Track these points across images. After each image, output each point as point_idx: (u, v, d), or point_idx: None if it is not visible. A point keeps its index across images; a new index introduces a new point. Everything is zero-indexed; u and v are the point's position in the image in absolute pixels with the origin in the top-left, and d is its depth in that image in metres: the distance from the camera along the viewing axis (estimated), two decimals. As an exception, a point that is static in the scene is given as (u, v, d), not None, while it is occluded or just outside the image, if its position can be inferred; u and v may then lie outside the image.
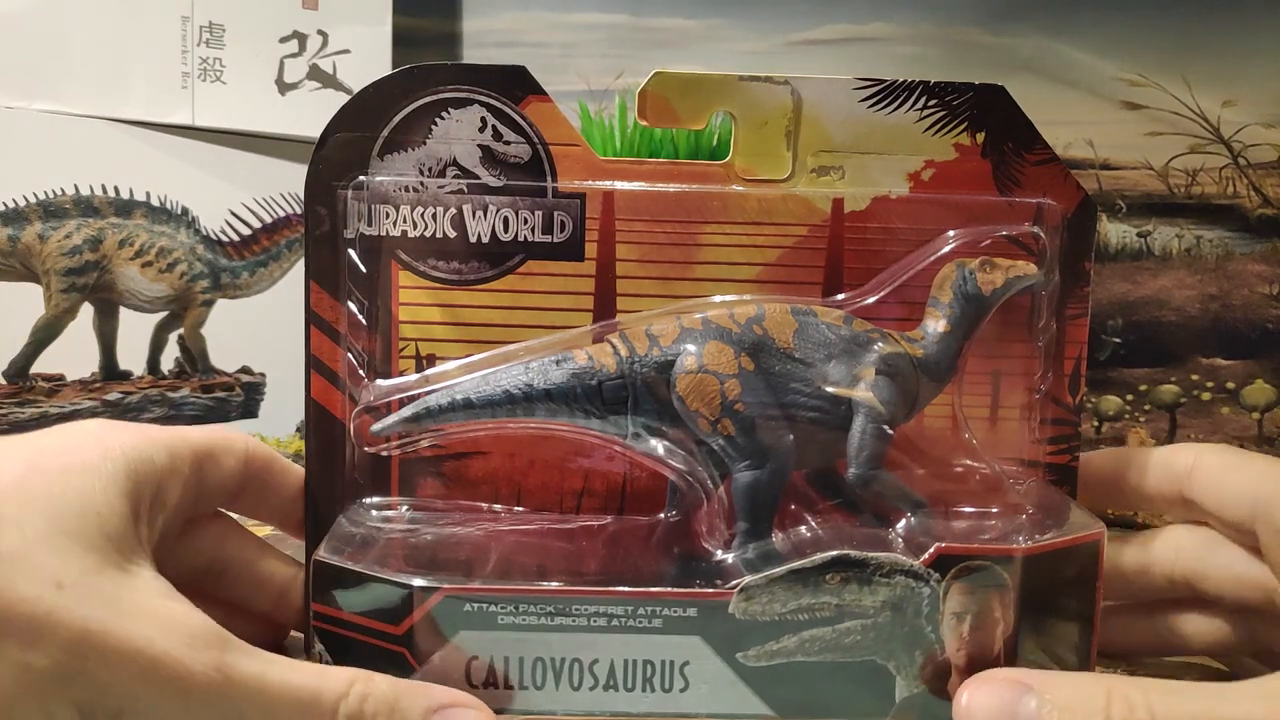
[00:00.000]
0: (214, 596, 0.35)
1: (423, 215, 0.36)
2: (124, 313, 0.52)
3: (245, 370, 0.53)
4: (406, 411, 0.34)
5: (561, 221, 0.36)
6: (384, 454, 0.36)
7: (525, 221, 0.36)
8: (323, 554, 0.32)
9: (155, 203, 0.50)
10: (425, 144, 0.36)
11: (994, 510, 0.34)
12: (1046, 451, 0.38)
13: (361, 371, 0.36)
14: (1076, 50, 0.50)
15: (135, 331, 0.53)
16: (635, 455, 0.35)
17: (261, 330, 0.53)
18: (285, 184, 0.52)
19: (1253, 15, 0.52)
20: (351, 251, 0.36)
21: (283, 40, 0.50)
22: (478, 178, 0.36)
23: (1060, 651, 0.32)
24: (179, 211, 0.51)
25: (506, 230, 0.36)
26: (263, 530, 0.37)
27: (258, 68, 0.50)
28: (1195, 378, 0.52)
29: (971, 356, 0.37)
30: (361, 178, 0.36)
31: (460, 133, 0.36)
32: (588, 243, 0.36)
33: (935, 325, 0.35)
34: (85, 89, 0.49)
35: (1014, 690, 0.28)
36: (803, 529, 0.33)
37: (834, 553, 0.30)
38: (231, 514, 0.36)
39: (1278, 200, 0.52)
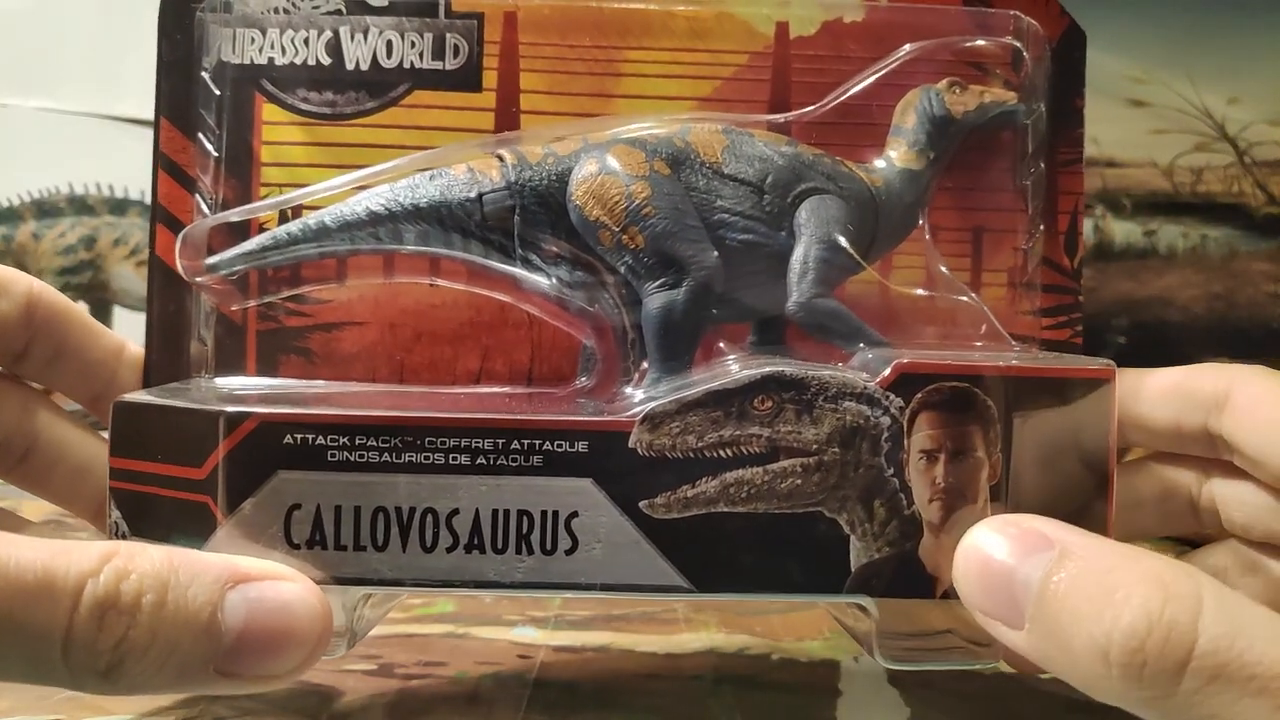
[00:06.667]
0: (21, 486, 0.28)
1: (293, 40, 0.31)
2: (118, 311, 0.52)
3: (239, 369, 0.52)
4: (250, 244, 0.28)
5: (455, 45, 0.31)
6: (239, 314, 0.30)
7: (413, 45, 0.31)
8: (126, 396, 0.25)
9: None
10: (299, -40, 0.31)
11: (977, 344, 0.27)
12: (1042, 325, 0.32)
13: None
14: (1080, 47, 0.50)
15: (129, 331, 0.53)
16: (534, 306, 0.29)
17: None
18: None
19: (1258, 12, 0.51)
20: (209, 82, 0.31)
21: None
22: (359, -3, 0.31)
23: (1064, 515, 0.24)
24: (173, 210, 0.51)
25: (390, 56, 0.31)
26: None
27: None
28: (1200, 378, 0.49)
29: (949, 210, 0.31)
30: (223, -3, 0.31)
31: (340, -54, 0.31)
32: (486, 70, 0.31)
33: (897, 153, 0.29)
34: (80, 86, 0.50)
35: (1028, 541, 0.20)
36: (731, 363, 0.26)
37: (764, 369, 0.23)
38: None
39: (1283, 198, 0.52)
